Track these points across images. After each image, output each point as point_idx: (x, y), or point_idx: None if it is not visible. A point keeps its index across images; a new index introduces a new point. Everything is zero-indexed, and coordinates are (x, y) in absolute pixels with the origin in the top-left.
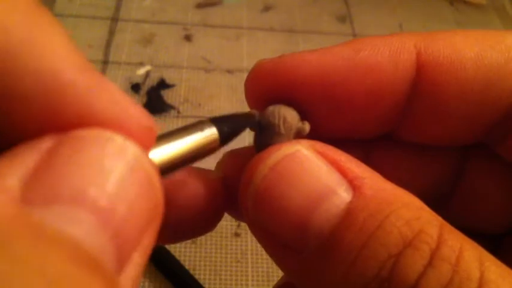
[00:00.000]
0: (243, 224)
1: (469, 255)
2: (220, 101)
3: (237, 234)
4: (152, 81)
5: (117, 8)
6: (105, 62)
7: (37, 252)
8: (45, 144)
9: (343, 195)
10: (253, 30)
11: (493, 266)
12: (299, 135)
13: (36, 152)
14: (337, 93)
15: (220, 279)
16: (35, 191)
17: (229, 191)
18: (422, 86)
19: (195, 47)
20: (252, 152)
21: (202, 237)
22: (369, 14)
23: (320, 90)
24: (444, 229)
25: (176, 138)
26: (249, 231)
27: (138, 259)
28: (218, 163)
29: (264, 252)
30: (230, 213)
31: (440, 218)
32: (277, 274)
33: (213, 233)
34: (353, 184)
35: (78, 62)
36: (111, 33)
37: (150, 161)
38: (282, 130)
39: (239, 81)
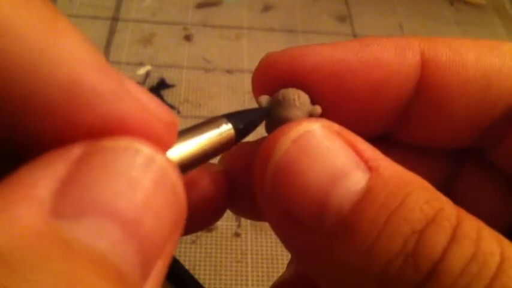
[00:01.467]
0: (243, 224)
1: (488, 233)
2: (220, 101)
3: (237, 234)
4: (152, 81)
5: (117, 8)
6: None
7: (67, 267)
8: (74, 153)
9: (361, 175)
10: (253, 30)
11: (509, 244)
12: (311, 116)
13: (65, 161)
14: (344, 84)
15: (220, 279)
16: (65, 203)
17: (232, 185)
18: (424, 84)
19: (195, 47)
20: (255, 147)
21: (203, 237)
22: (369, 14)
23: (328, 80)
24: (460, 210)
25: (194, 136)
26: (249, 231)
27: (161, 267)
28: (222, 156)
29: (264, 252)
30: (232, 209)
31: (453, 203)
32: (278, 274)
33: (213, 233)
34: (369, 165)
35: (97, 64)
36: (111, 33)
37: (175, 170)
38: (298, 104)
39: (239, 81)
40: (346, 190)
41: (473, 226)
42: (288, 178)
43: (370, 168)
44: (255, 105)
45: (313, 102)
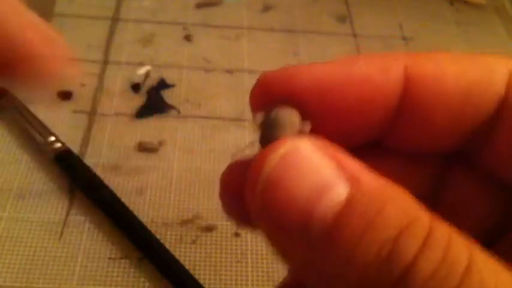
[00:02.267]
0: None
1: (458, 239)
2: (220, 101)
3: (237, 234)
4: (152, 81)
5: (117, 8)
6: (105, 62)
7: None
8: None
9: (343, 188)
10: (253, 30)
11: (478, 249)
12: (301, 133)
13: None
14: (333, 101)
15: (220, 279)
16: None
17: (231, 197)
18: (409, 97)
19: (195, 47)
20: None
21: (202, 237)
22: (369, 14)
23: (318, 97)
24: (434, 218)
25: None
26: (249, 231)
27: None
28: (222, 175)
29: (264, 252)
30: (235, 218)
31: (429, 211)
32: (278, 274)
33: (213, 233)
34: (351, 177)
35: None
36: (111, 33)
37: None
38: (287, 124)
39: (239, 81)
40: (330, 202)
41: (444, 233)
42: (277, 193)
43: (352, 181)
44: None
45: (305, 118)
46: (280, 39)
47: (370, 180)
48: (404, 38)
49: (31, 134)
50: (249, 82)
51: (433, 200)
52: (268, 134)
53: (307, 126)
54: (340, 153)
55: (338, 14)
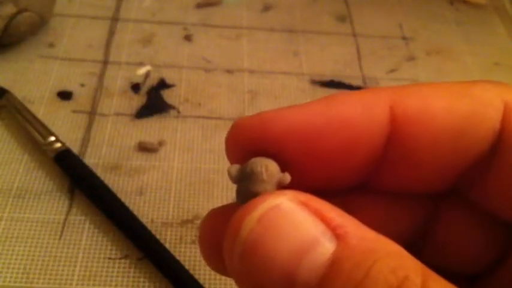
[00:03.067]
0: None
1: None
2: (220, 101)
3: None
4: (152, 81)
5: (117, 8)
6: (105, 62)
7: None
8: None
9: (328, 245)
10: (253, 30)
11: None
12: (280, 185)
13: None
14: (313, 147)
15: (220, 279)
16: None
17: (214, 249)
18: (396, 138)
19: (195, 47)
20: (233, 209)
21: None
22: (369, 14)
23: (297, 145)
24: (426, 275)
25: None
26: None
27: None
28: (201, 223)
29: None
30: (215, 269)
31: (421, 264)
32: None
33: None
34: (336, 233)
35: None
36: (111, 33)
37: None
38: (265, 177)
39: (239, 81)
40: (314, 263)
41: None
42: (255, 257)
43: (338, 237)
44: (254, 105)
45: (284, 168)
46: (280, 39)
47: (357, 234)
48: (404, 38)
49: (31, 134)
50: (249, 82)
51: (426, 236)
52: (245, 189)
53: (287, 177)
54: (324, 206)
55: (338, 14)
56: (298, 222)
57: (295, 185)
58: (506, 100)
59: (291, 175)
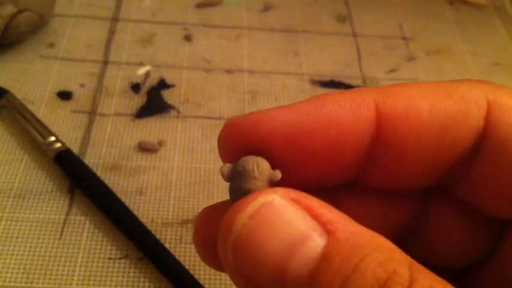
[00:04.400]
0: None
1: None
2: (220, 101)
3: None
4: (152, 81)
5: (117, 8)
6: (105, 62)
7: None
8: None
9: (318, 240)
10: (253, 30)
11: None
12: (271, 182)
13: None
14: (302, 146)
15: (220, 279)
16: None
17: (208, 245)
18: (382, 137)
19: (195, 47)
20: (226, 207)
21: None
22: (369, 14)
23: (286, 144)
24: (414, 269)
25: None
26: None
27: None
28: (195, 220)
29: None
30: (210, 265)
31: (409, 258)
32: None
33: None
34: (327, 228)
35: None
36: (111, 33)
37: None
38: (256, 174)
39: (239, 81)
40: (305, 257)
41: (424, 286)
42: (248, 252)
43: (328, 232)
44: (254, 105)
45: (274, 166)
46: (280, 39)
47: (347, 229)
48: (404, 38)
49: (31, 134)
50: (249, 82)
51: (415, 231)
52: (238, 187)
53: (277, 174)
54: (315, 203)
55: (338, 14)
56: (289, 218)
57: (286, 182)
58: (489, 98)
59: (282, 173)
